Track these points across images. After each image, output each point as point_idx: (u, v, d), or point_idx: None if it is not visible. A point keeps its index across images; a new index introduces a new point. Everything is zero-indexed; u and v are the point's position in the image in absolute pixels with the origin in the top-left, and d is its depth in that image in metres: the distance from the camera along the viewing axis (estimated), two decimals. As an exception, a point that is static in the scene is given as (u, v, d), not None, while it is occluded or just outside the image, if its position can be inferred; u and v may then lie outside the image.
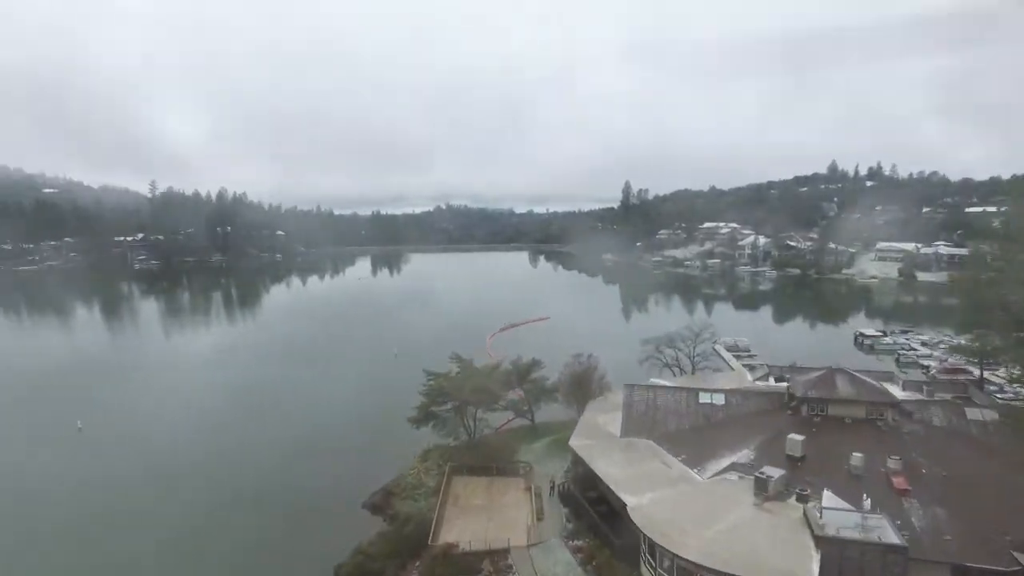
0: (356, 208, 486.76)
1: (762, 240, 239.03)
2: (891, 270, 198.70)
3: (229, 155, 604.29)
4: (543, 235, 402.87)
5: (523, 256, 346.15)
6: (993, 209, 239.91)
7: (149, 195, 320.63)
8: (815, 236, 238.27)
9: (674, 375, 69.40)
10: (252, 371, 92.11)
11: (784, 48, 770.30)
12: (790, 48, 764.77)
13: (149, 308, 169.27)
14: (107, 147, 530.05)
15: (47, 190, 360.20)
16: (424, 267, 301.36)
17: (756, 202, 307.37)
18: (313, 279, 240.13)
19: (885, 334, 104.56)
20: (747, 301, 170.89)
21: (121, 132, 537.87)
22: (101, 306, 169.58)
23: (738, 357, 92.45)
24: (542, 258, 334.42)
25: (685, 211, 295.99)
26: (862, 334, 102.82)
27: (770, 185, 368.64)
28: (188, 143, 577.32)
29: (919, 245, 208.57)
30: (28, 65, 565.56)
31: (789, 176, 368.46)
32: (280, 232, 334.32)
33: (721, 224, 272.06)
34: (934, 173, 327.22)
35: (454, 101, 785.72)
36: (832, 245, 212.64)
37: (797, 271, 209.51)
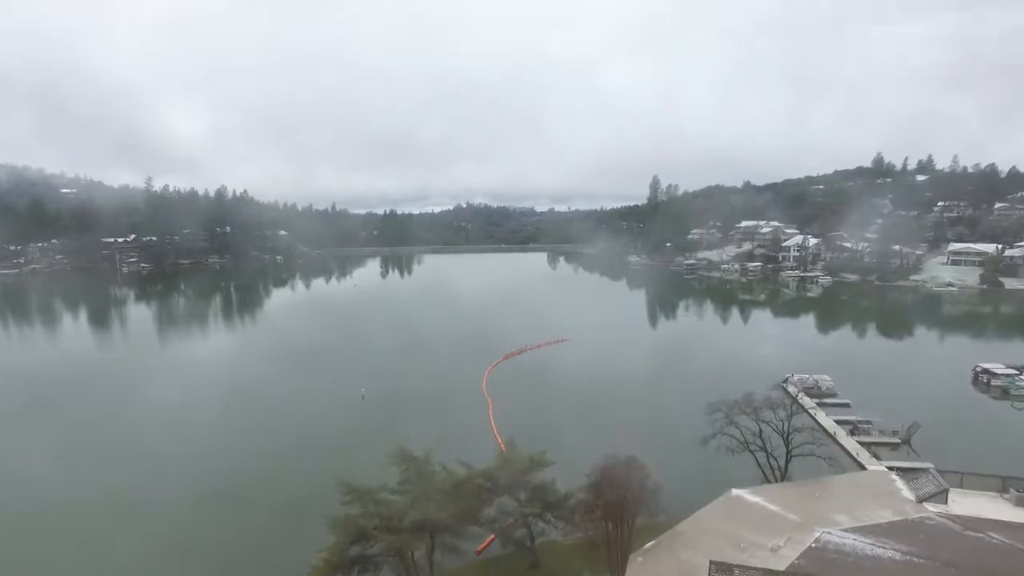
0: (375, 207, 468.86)
1: (811, 241, 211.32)
2: (969, 275, 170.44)
3: (240, 153, 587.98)
4: (564, 235, 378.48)
5: (542, 258, 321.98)
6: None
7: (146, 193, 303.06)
8: (872, 236, 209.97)
9: (766, 476, 45.15)
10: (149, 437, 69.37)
11: (811, 29, 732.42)
12: (816, 29, 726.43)
13: (104, 321, 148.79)
14: (114, 145, 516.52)
15: (65, 190, 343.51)
16: (434, 271, 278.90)
17: (797, 199, 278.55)
18: (306, 285, 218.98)
19: (1021, 372, 78.38)
20: (800, 314, 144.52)
21: (127, 130, 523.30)
22: (61, 315, 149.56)
23: (821, 404, 67.56)
24: (562, 259, 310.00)
25: (719, 208, 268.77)
26: (985, 371, 76.80)
27: (809, 180, 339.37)
28: (196, 141, 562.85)
29: (1000, 246, 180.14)
30: (31, 57, 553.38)
31: (829, 171, 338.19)
32: (282, 232, 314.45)
33: (761, 222, 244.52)
34: (990, 166, 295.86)
35: (476, 96, 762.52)
36: (896, 247, 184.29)
37: (855, 277, 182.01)
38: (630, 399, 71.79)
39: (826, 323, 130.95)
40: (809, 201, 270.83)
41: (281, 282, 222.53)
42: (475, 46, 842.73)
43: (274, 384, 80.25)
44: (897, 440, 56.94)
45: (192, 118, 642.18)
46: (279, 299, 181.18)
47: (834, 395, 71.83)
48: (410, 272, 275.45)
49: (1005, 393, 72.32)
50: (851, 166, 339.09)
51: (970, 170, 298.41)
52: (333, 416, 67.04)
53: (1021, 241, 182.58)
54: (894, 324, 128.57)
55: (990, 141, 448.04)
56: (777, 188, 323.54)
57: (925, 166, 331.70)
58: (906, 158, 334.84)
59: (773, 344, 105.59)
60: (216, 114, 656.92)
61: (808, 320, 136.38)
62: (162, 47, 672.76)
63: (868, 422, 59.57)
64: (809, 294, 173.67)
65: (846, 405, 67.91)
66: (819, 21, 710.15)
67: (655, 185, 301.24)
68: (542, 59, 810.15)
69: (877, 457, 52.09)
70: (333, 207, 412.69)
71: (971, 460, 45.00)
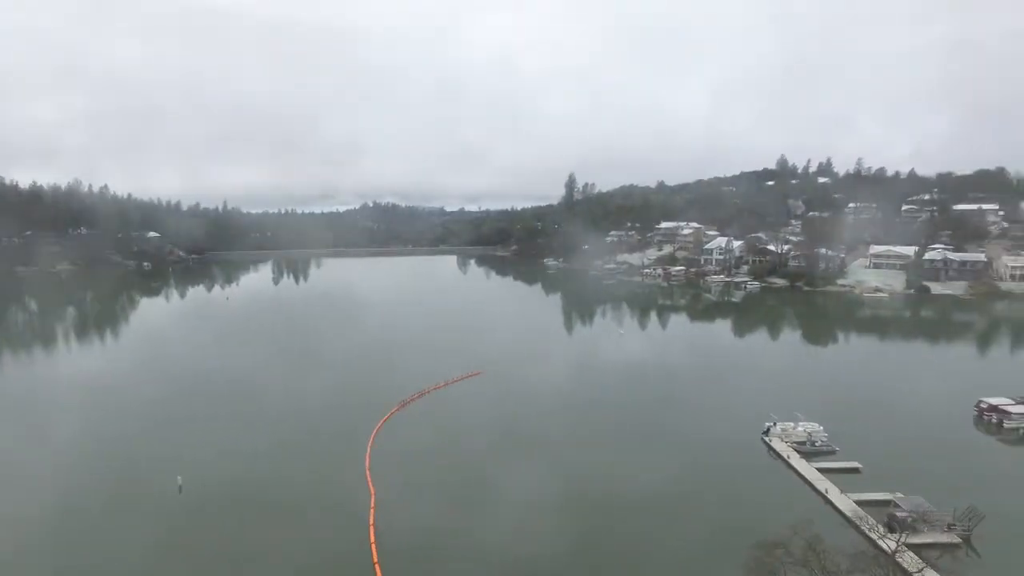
0: (277, 206, 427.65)
1: (734, 243, 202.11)
2: (894, 280, 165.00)
3: (109, 143, 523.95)
4: (475, 236, 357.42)
5: (452, 261, 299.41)
6: (992, 206, 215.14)
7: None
8: (792, 238, 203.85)
9: None
10: None
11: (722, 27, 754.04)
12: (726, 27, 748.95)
13: None
14: None
15: None
16: (333, 277, 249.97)
17: (713, 200, 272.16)
18: (166, 298, 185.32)
19: (1030, 405, 65.39)
20: (743, 329, 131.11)
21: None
22: None
23: (825, 471, 50.21)
24: (473, 263, 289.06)
25: (638, 209, 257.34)
26: (993, 408, 62.85)
27: (720, 181, 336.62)
28: (58, 129, 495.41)
29: (918, 248, 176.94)
30: None
31: (737, 172, 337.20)
32: (152, 234, 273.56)
33: (682, 224, 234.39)
34: (881, 169, 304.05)
35: (382, 89, 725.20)
36: (820, 249, 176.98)
37: (783, 282, 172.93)
38: (572, 467, 51.66)
39: (771, 338, 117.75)
40: (725, 202, 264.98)
41: (132, 296, 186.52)
42: (380, 31, 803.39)
43: (93, 447, 54.05)
44: (956, 539, 39.95)
45: (53, 102, 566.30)
46: (112, 319, 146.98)
47: (831, 451, 54.99)
48: (306, 278, 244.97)
49: (1019, 435, 58.31)
50: (758, 167, 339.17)
51: (875, 171, 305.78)
52: (122, 526, 42.44)
53: (935, 243, 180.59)
54: (845, 338, 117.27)
55: (886, 145, 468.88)
56: (690, 188, 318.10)
57: (825, 169, 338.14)
58: (808, 160, 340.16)
59: (724, 368, 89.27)
60: (80, 98, 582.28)
61: (754, 337, 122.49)
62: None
63: (900, 506, 42.19)
64: (734, 300, 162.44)
65: (855, 470, 50.96)
66: (730, 24, 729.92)
67: (571, 184, 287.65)
68: (452, 50, 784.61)
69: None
70: (224, 206, 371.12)
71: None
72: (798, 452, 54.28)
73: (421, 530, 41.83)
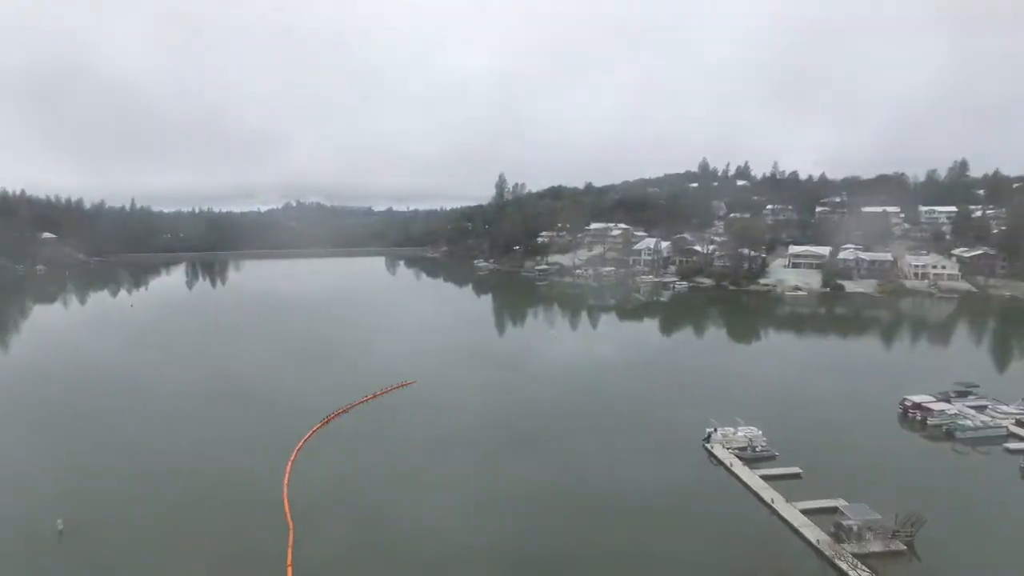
0: (188, 205, 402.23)
1: (662, 244, 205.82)
2: (812, 278, 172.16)
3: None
4: (405, 237, 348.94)
5: (380, 263, 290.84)
6: (894, 209, 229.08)
7: None
8: (717, 239, 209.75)
9: None
10: None
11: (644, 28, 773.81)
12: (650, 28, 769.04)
13: None
14: None
15: None
16: (252, 281, 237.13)
17: (640, 201, 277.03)
18: (65, 304, 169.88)
19: (950, 399, 67.81)
20: (671, 330, 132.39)
21: None
22: None
23: (768, 479, 49.59)
24: (402, 264, 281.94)
25: (568, 210, 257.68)
26: (917, 406, 64.76)
27: (645, 182, 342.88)
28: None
29: (832, 248, 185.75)
30: None
31: (660, 174, 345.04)
32: (47, 235, 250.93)
33: (611, 225, 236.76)
34: (793, 172, 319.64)
35: (306, 81, 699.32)
36: (745, 250, 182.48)
37: (710, 281, 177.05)
38: (508, 486, 48.67)
39: (702, 338, 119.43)
40: (652, 203, 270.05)
41: (18, 304, 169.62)
42: (309, 27, 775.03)
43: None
44: (901, 546, 39.66)
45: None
46: (34, 325, 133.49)
47: (771, 456, 54.56)
48: (223, 282, 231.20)
49: (949, 435, 60.05)
50: (680, 169, 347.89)
51: (787, 174, 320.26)
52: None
53: (847, 244, 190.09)
54: (771, 337, 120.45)
55: (798, 149, 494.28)
56: (616, 189, 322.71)
57: (743, 172, 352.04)
58: (727, 163, 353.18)
59: (659, 371, 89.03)
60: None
61: (686, 337, 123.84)
62: None
63: (846, 514, 41.63)
64: (663, 300, 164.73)
65: (797, 476, 50.59)
66: (657, 27, 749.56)
67: (501, 184, 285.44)
68: (375, 45, 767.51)
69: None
70: (132, 204, 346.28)
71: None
72: (740, 459, 53.56)
73: (347, 572, 37.74)
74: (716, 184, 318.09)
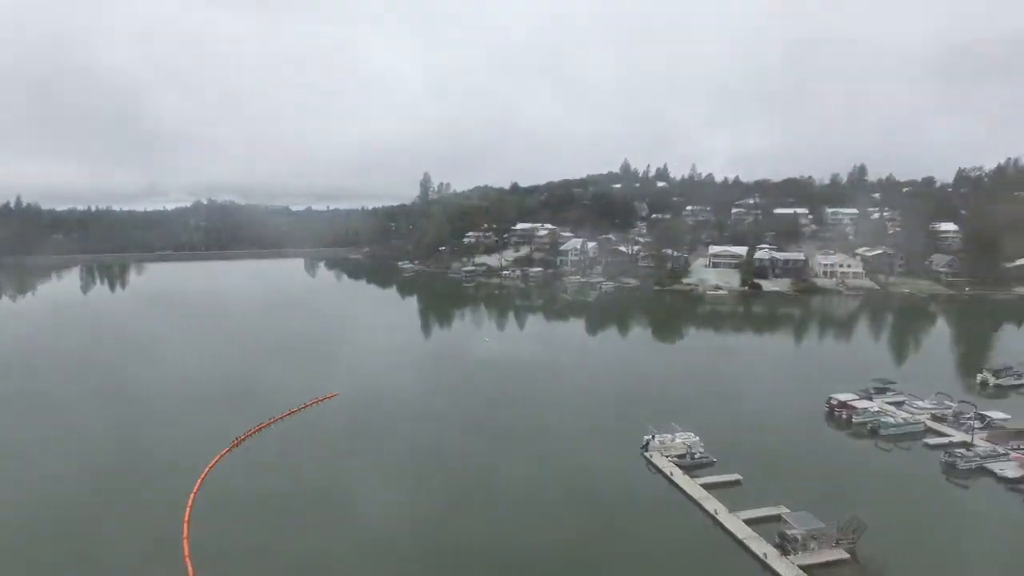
0: (85, 203, 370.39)
1: (589, 244, 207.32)
2: (731, 278, 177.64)
3: None
4: (325, 237, 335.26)
5: (299, 264, 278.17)
6: (803, 210, 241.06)
7: None
8: (641, 239, 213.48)
9: None
10: None
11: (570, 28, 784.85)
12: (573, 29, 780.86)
13: None
14: None
15: None
16: (156, 285, 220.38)
17: (566, 201, 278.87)
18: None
19: (871, 396, 69.87)
20: (600, 332, 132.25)
21: None
22: None
23: (710, 487, 48.62)
24: (322, 266, 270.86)
25: (494, 210, 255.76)
26: (843, 404, 66.27)
27: (569, 183, 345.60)
28: None
29: (748, 248, 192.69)
30: None
31: (583, 174, 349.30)
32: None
33: (538, 225, 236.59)
34: (709, 174, 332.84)
35: (215, 75, 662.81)
36: (669, 251, 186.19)
37: (635, 281, 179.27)
38: (438, 505, 45.27)
39: (631, 340, 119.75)
40: (576, 204, 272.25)
41: None
42: (218, 20, 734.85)
43: None
44: (844, 554, 39.21)
45: None
46: None
47: (710, 462, 53.79)
48: (123, 286, 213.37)
49: (874, 432, 61.51)
50: (603, 171, 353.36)
51: (704, 176, 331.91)
52: None
53: (762, 244, 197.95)
54: (697, 337, 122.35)
55: (713, 151, 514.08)
56: (541, 190, 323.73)
57: (663, 173, 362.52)
58: (648, 165, 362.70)
59: (590, 375, 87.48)
60: None
61: (614, 339, 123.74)
62: None
63: (789, 523, 40.96)
64: (590, 300, 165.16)
65: (737, 483, 49.86)
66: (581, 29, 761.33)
67: (426, 183, 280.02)
68: (294, 38, 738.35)
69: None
70: (18, 201, 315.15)
71: None
72: (679, 467, 52.42)
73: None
74: (638, 185, 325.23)
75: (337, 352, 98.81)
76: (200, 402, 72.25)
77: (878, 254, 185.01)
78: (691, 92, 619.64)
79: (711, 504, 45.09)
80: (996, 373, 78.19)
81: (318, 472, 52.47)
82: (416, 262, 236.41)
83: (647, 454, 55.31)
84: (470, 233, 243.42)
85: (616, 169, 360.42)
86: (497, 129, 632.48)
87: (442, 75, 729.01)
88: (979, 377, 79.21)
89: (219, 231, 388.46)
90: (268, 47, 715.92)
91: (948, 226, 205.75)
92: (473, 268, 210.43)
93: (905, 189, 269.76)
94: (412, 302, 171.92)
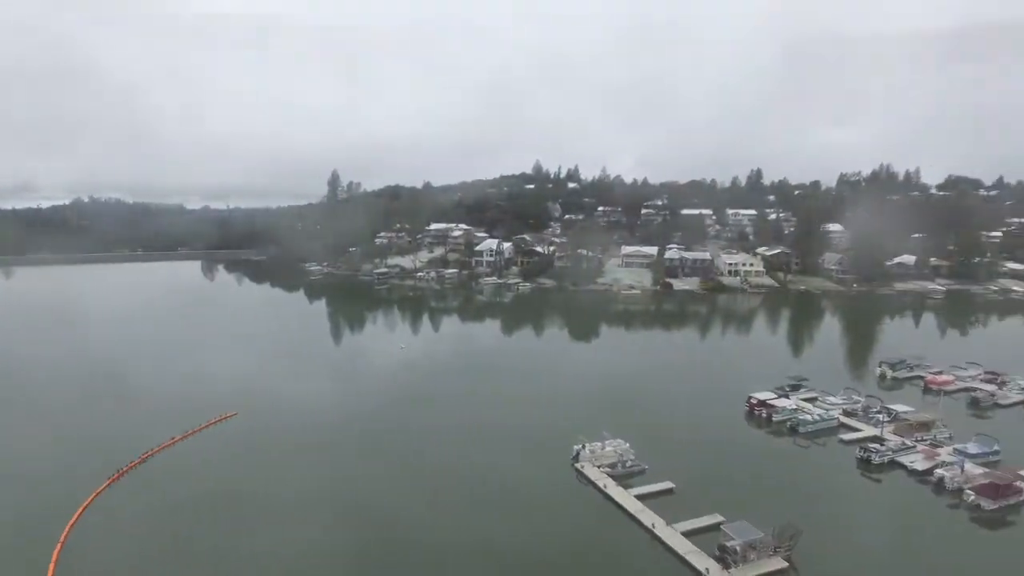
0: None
1: (504, 245, 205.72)
2: (642, 277, 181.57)
3: None
4: (224, 238, 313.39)
5: (195, 267, 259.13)
6: (707, 211, 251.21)
7: None
8: (556, 240, 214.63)
9: None
10: None
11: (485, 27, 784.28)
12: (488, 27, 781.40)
13: None
14: None
15: None
16: (26, 292, 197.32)
17: (480, 201, 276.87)
18: None
19: (787, 394, 71.67)
20: (515, 330, 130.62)
21: None
22: None
23: (643, 497, 47.28)
24: (222, 269, 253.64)
25: (407, 210, 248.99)
26: (762, 403, 67.48)
27: (483, 183, 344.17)
28: None
29: (658, 248, 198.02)
30: None
31: (497, 175, 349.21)
32: None
33: (452, 226, 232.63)
34: (618, 176, 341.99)
35: (95, 60, 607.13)
36: (583, 251, 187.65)
37: (552, 282, 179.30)
38: (349, 533, 41.06)
39: (548, 338, 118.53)
40: (491, 204, 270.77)
41: None
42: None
43: None
44: (783, 562, 38.68)
45: None
46: None
47: (641, 470, 52.63)
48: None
49: (793, 431, 62.84)
50: (515, 172, 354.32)
51: (613, 178, 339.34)
52: None
53: (670, 244, 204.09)
54: (614, 337, 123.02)
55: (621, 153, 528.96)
56: (455, 189, 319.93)
57: (574, 175, 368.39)
58: (559, 166, 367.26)
59: (511, 380, 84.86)
60: None
61: (531, 338, 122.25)
62: None
63: (729, 534, 40.11)
64: (506, 301, 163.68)
65: (670, 491, 48.83)
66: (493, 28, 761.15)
67: (334, 181, 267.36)
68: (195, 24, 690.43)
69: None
70: None
71: None
72: (612, 477, 50.80)
73: None
74: (550, 186, 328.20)
75: (236, 365, 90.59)
76: (77, 428, 63.37)
77: (776, 253, 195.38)
78: (600, 94, 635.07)
79: (648, 517, 43.58)
80: (892, 366, 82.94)
81: (205, 506, 46.64)
82: (325, 264, 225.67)
83: (578, 465, 53.39)
84: (382, 234, 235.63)
85: (528, 170, 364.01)
86: (409, 127, 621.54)
87: (344, 72, 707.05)
88: (877, 371, 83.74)
89: (103, 231, 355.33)
90: (163, 34, 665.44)
91: (835, 227, 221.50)
92: (386, 270, 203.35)
93: (797, 192, 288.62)
94: (321, 306, 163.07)
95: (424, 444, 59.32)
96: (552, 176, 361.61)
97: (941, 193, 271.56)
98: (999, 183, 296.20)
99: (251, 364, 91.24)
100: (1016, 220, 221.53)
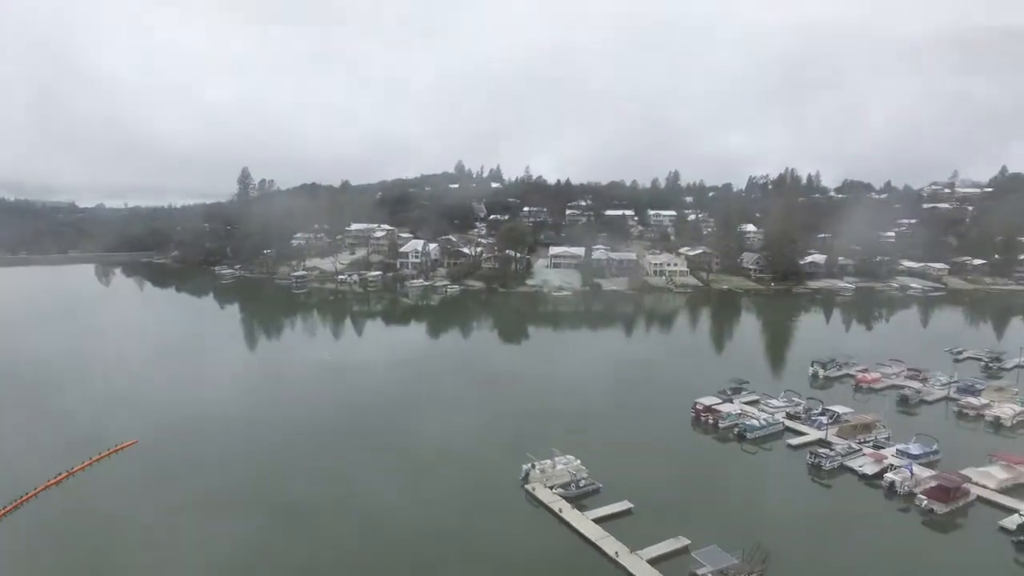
0: None
1: (430, 246, 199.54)
2: (571, 277, 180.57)
3: None
4: (122, 240, 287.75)
5: (89, 271, 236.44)
6: (630, 212, 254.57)
7: None
8: (482, 240, 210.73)
9: None
10: None
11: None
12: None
13: None
14: None
15: None
16: None
17: (402, 201, 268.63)
18: None
19: (731, 398, 70.84)
20: (443, 334, 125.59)
21: None
22: None
23: (601, 521, 44.05)
24: (120, 273, 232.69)
25: (324, 210, 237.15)
26: (708, 409, 66.09)
27: (403, 183, 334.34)
28: None
29: (587, 249, 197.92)
30: None
31: (417, 174, 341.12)
32: None
33: (374, 226, 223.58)
34: (541, 177, 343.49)
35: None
36: (511, 252, 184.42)
37: (481, 284, 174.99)
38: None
39: (480, 343, 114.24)
40: (414, 204, 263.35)
41: None
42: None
43: None
44: (754, 587, 36.32)
45: None
46: None
47: (596, 489, 49.34)
48: None
49: (741, 437, 61.66)
50: (437, 171, 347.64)
51: (535, 179, 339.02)
52: None
53: (596, 244, 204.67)
54: (545, 338, 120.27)
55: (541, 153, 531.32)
56: (374, 188, 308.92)
57: (496, 174, 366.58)
58: (481, 166, 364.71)
59: (445, 390, 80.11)
60: None
61: (462, 343, 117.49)
62: None
63: (700, 561, 37.42)
64: (433, 304, 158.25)
65: (628, 512, 45.82)
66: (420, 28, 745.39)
67: (245, 179, 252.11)
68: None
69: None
70: None
71: None
72: (565, 498, 47.19)
73: None
74: (474, 185, 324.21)
75: (137, 384, 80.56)
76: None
77: (699, 253, 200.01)
78: (519, 95, 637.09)
79: (609, 544, 40.22)
80: (824, 365, 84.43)
81: (98, 561, 39.36)
82: (237, 267, 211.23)
83: (528, 486, 49.50)
84: (299, 234, 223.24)
85: (451, 169, 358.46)
86: (324, 125, 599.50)
87: (251, 65, 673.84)
88: (810, 370, 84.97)
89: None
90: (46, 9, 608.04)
91: (749, 227, 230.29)
92: (304, 273, 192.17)
93: (711, 194, 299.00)
94: (233, 313, 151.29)
95: (351, 470, 53.56)
96: (475, 175, 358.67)
97: (840, 196, 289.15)
98: (887, 187, 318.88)
99: (154, 383, 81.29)
100: (905, 221, 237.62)
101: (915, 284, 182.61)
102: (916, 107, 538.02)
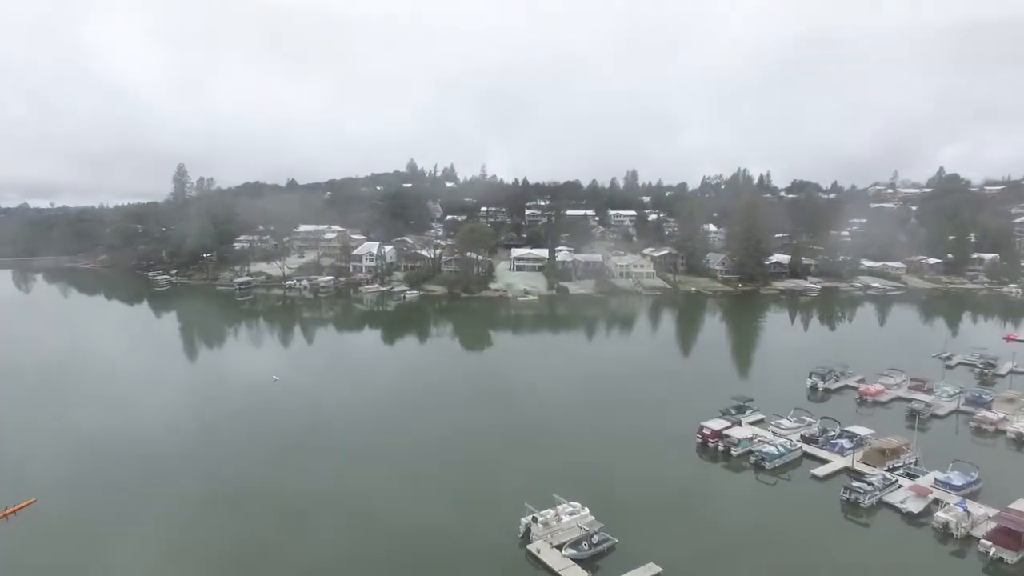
0: None
1: (386, 248, 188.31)
2: (536, 281, 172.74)
3: None
4: (43, 242, 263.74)
5: (6, 277, 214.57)
6: (591, 212, 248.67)
7: None
8: (440, 242, 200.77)
9: None
10: None
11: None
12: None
13: None
14: None
15: None
16: None
17: (354, 201, 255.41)
18: None
19: (738, 419, 64.01)
20: (405, 346, 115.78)
21: None
22: None
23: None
24: (40, 279, 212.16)
25: (271, 210, 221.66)
26: (713, 432, 58.86)
27: (354, 181, 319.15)
28: None
29: (550, 251, 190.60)
30: None
31: (367, 173, 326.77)
32: None
33: (324, 227, 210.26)
34: (485, 173, 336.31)
35: None
36: (472, 255, 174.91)
37: (442, 289, 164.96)
38: None
39: (444, 355, 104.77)
40: (366, 204, 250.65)
41: None
42: None
43: None
44: None
45: None
46: None
47: (611, 545, 41.25)
48: None
49: (758, 467, 54.61)
50: (389, 169, 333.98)
51: (488, 178, 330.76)
52: None
53: (559, 246, 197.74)
54: (516, 351, 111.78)
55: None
56: (323, 188, 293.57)
57: (450, 174, 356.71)
58: (435, 165, 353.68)
59: (408, 406, 70.48)
60: None
61: (426, 354, 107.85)
62: None
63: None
64: (390, 311, 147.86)
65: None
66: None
67: (181, 177, 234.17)
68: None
69: None
70: None
71: None
72: (577, 561, 38.77)
73: None
74: (428, 185, 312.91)
75: (40, 424, 67.56)
76: None
77: (664, 254, 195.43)
78: (478, 97, 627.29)
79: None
80: (823, 377, 78.87)
81: None
82: (173, 272, 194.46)
83: (530, 546, 40.87)
84: (242, 237, 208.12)
85: (403, 168, 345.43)
86: (264, 122, 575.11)
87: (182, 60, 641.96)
88: (808, 382, 79.27)
89: None
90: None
91: (711, 227, 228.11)
92: (248, 279, 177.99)
93: (668, 193, 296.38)
94: (168, 325, 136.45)
95: (303, 536, 43.84)
96: (428, 174, 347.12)
97: (791, 196, 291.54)
98: (835, 187, 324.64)
99: (66, 421, 68.28)
100: (857, 220, 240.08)
101: (877, 283, 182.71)
102: (856, 106, 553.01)
